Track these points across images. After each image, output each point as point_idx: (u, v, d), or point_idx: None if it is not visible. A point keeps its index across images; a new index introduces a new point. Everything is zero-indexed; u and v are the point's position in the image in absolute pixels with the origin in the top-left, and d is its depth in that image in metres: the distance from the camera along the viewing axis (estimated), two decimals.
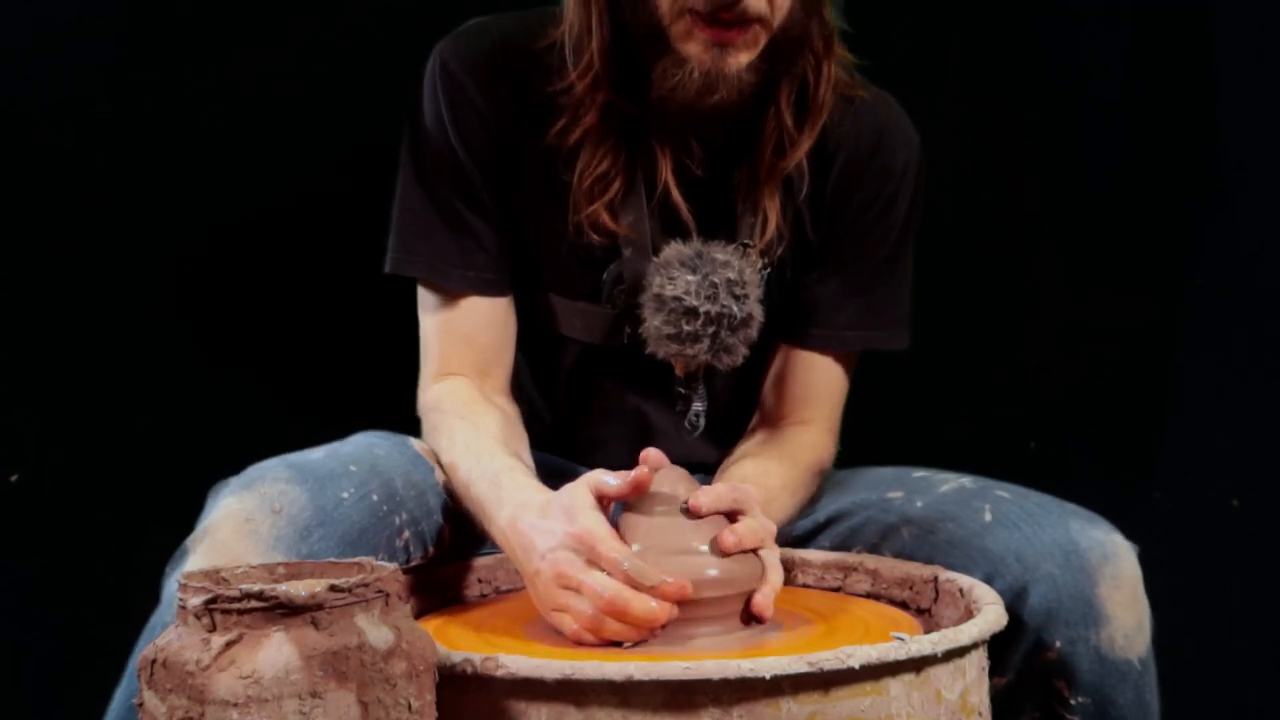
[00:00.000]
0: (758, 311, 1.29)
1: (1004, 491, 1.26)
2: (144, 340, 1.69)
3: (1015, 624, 1.15)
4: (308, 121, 1.73)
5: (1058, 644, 1.17)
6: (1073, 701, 1.18)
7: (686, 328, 1.27)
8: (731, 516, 1.09)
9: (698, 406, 1.37)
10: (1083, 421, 1.90)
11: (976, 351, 1.89)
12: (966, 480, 1.29)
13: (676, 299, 1.26)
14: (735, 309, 1.27)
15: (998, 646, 1.10)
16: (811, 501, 1.37)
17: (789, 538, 1.37)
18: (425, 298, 1.37)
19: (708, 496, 1.08)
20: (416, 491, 1.23)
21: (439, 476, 1.27)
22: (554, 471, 1.42)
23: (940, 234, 1.87)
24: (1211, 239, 1.88)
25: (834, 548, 1.34)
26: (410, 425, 1.39)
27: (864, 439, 1.46)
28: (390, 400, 1.42)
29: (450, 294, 1.35)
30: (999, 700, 1.12)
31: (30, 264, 1.67)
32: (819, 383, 1.40)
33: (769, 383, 1.43)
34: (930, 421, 1.86)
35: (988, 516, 1.23)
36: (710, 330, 1.27)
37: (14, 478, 1.67)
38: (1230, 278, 1.88)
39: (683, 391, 1.36)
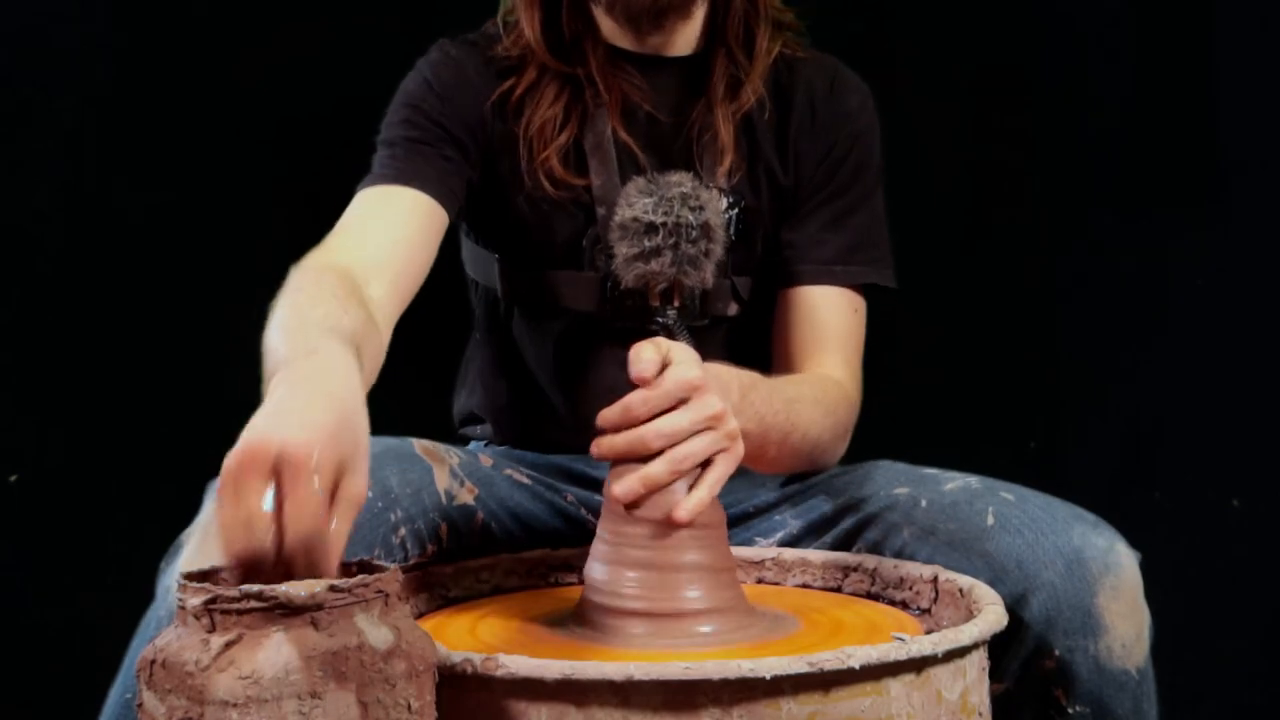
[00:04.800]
0: (717, 223, 1.34)
1: (1009, 494, 1.25)
2: (143, 340, 1.69)
3: (1014, 631, 1.15)
4: (312, 119, 1.73)
5: (1056, 652, 1.16)
6: (1070, 710, 1.17)
7: (648, 244, 1.32)
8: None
9: None
10: (1083, 422, 1.90)
11: (977, 351, 1.89)
12: (973, 480, 1.29)
13: (635, 219, 1.33)
14: (691, 218, 1.32)
15: (996, 653, 1.10)
16: (838, 492, 1.36)
17: (792, 536, 1.37)
18: (364, 194, 1.33)
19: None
20: (413, 490, 1.24)
21: (437, 476, 1.27)
22: (569, 475, 1.42)
23: (941, 233, 1.87)
24: (1212, 240, 1.88)
25: (839, 543, 1.33)
26: (415, 427, 1.38)
27: (864, 439, 1.46)
28: (397, 401, 1.41)
29: (398, 193, 1.31)
30: (997, 707, 1.11)
31: (29, 263, 1.67)
32: (823, 323, 1.41)
33: (777, 337, 1.44)
34: (931, 421, 1.86)
35: (990, 520, 1.22)
36: (671, 242, 1.32)
37: (14, 478, 1.67)
38: (1231, 279, 1.88)
39: (661, 321, 1.37)
